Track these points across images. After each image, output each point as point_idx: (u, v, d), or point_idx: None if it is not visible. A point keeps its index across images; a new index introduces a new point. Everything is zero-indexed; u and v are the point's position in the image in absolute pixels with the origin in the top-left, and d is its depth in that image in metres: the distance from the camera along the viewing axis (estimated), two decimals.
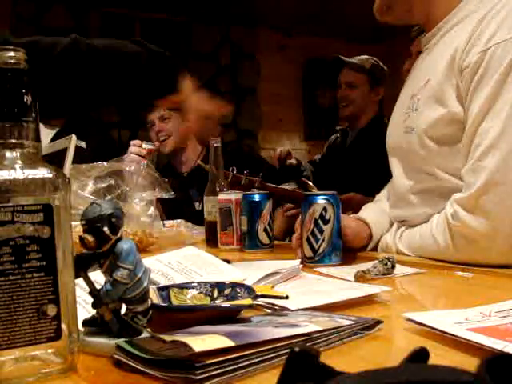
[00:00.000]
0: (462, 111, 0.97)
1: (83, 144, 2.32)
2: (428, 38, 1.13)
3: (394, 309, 0.69)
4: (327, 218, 1.01)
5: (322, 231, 1.01)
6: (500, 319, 0.55)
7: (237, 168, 1.46)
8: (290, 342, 0.47)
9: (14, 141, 0.44)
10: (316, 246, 1.00)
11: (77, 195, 1.14)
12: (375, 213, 1.24)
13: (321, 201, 1.01)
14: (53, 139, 2.22)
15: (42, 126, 1.89)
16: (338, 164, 2.33)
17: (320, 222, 1.01)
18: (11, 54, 0.44)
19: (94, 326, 0.51)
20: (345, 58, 2.37)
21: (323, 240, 1.00)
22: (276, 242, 1.32)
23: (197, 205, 2.29)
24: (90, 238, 0.49)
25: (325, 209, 1.01)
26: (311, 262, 1.01)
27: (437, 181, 1.04)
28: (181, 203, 2.17)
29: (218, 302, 0.64)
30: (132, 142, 2.04)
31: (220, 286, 0.66)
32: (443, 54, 1.03)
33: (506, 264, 0.93)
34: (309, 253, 1.01)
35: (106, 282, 0.50)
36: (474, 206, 0.93)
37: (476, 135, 0.94)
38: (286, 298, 0.62)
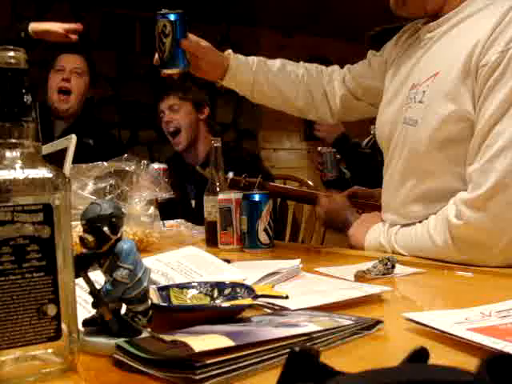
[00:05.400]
0: (473, 109, 0.95)
1: (90, 141, 2.36)
2: (432, 26, 1.10)
3: (394, 309, 0.68)
4: (167, 32, 1.20)
5: (164, 43, 1.20)
6: (500, 319, 0.55)
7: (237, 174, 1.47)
8: (290, 341, 0.47)
9: (14, 141, 0.44)
10: (162, 56, 1.21)
11: (77, 195, 1.14)
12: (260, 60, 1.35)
13: (161, 18, 1.20)
14: (63, 133, 2.27)
15: (56, 120, 1.94)
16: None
17: (162, 36, 1.21)
18: (11, 53, 0.44)
19: (94, 325, 0.51)
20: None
21: (165, 50, 1.20)
22: (276, 242, 1.31)
23: (193, 203, 2.29)
24: (90, 238, 0.49)
25: (165, 24, 1.20)
26: (162, 68, 1.22)
27: (436, 179, 1.02)
28: (176, 200, 2.16)
29: (217, 301, 0.64)
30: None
31: (220, 286, 0.66)
32: (455, 46, 1.00)
33: (506, 265, 0.93)
34: (158, 62, 1.22)
35: (106, 282, 0.50)
36: (480, 207, 0.92)
37: (488, 136, 0.92)
38: (286, 297, 0.62)
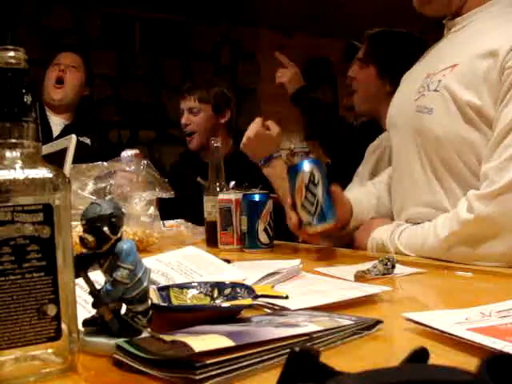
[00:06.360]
0: (492, 106, 0.96)
1: (87, 141, 2.36)
2: (456, 22, 1.11)
3: (394, 309, 0.68)
4: (316, 181, 1.06)
5: (314, 194, 1.06)
6: (500, 319, 0.55)
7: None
8: (290, 342, 0.46)
9: (14, 141, 0.44)
10: (312, 210, 1.06)
11: (77, 195, 1.14)
12: (359, 192, 1.29)
13: (306, 167, 1.07)
14: (62, 132, 2.27)
15: (53, 115, 1.97)
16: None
17: (311, 186, 1.06)
18: (12, 53, 0.44)
19: (94, 325, 0.51)
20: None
21: (317, 202, 1.05)
22: (276, 242, 1.31)
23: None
24: (90, 238, 0.49)
25: (312, 173, 1.06)
26: (310, 225, 1.06)
27: (450, 167, 1.03)
28: (190, 195, 2.10)
29: (218, 302, 0.64)
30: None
31: (220, 286, 0.66)
32: (479, 42, 1.01)
33: (505, 265, 0.93)
34: (306, 218, 1.06)
35: (106, 282, 0.50)
36: (492, 200, 0.92)
37: (508, 136, 0.93)
38: (286, 297, 0.62)
